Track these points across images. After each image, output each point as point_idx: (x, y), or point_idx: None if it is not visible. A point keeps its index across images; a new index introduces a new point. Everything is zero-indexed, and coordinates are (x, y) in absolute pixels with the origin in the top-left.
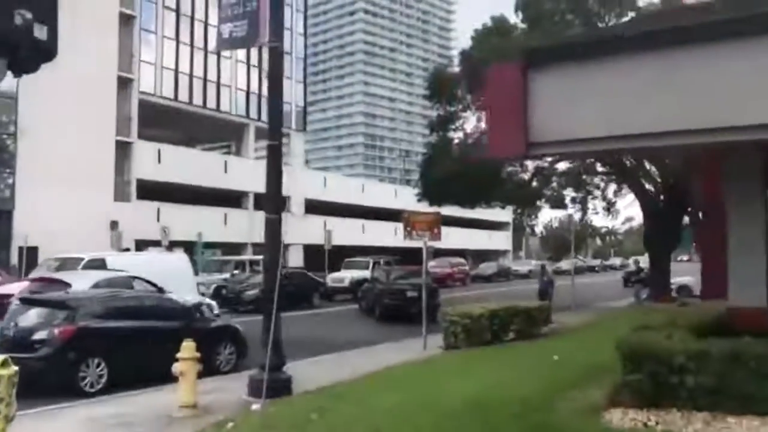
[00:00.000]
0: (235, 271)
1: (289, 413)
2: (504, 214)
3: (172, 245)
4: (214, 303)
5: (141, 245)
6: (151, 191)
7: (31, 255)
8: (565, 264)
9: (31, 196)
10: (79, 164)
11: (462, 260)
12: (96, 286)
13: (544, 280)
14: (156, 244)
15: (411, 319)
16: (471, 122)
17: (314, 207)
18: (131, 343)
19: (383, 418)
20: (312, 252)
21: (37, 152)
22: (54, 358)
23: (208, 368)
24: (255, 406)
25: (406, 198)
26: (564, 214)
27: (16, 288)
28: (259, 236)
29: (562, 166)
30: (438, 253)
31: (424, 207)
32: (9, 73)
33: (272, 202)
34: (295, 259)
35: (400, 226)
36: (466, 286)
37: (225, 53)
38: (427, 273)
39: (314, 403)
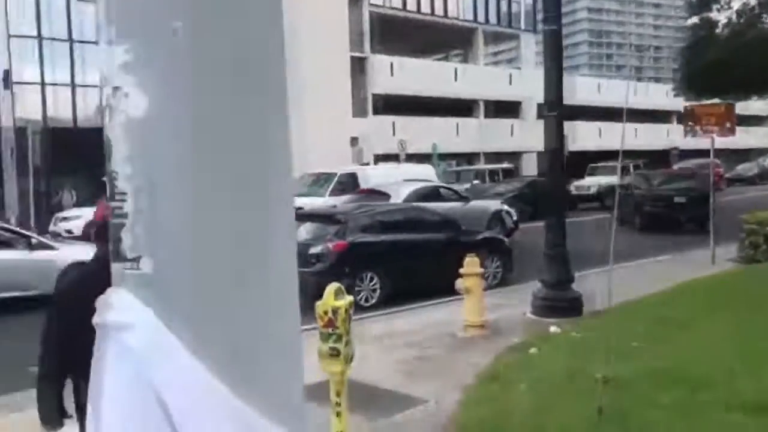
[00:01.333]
0: (475, 181)
1: (597, 337)
2: (760, 106)
3: (408, 158)
4: (512, 210)
5: (379, 160)
6: (386, 105)
7: None
8: None
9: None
10: (318, 84)
11: (716, 161)
12: (412, 194)
13: None
14: (394, 158)
15: (677, 229)
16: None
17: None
18: (401, 257)
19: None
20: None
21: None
22: (329, 272)
23: None
24: (553, 329)
25: (651, 94)
26: None
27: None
28: (492, 145)
29: None
30: (683, 155)
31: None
32: None
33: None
34: (531, 167)
35: (641, 127)
36: (722, 191)
37: None
38: (696, 176)
39: (625, 326)
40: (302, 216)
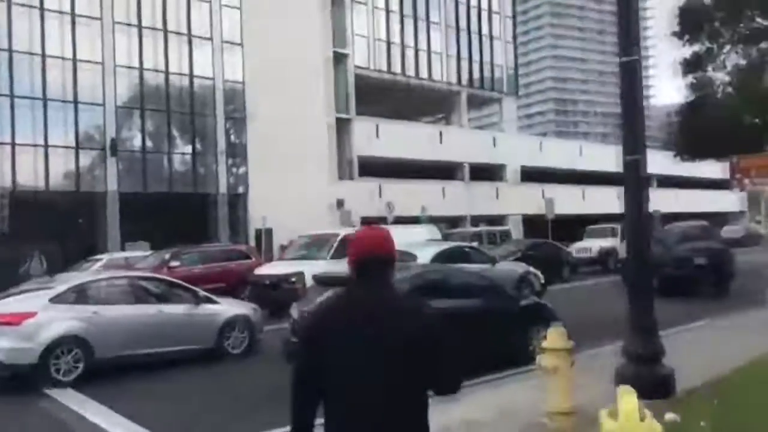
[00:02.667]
0: (474, 243)
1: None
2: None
3: (396, 221)
4: (539, 272)
5: (365, 223)
6: (371, 168)
7: (267, 237)
8: None
9: (262, 180)
10: (302, 145)
11: (705, 222)
12: (439, 255)
13: None
14: (381, 221)
15: (697, 292)
16: (733, 59)
17: (530, 174)
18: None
19: None
20: (531, 222)
21: (264, 137)
22: None
23: (525, 356)
24: (670, 416)
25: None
26: None
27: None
28: (477, 208)
29: None
30: (666, 218)
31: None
32: None
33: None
34: (515, 230)
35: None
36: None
37: (434, 19)
38: (713, 235)
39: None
40: (326, 280)
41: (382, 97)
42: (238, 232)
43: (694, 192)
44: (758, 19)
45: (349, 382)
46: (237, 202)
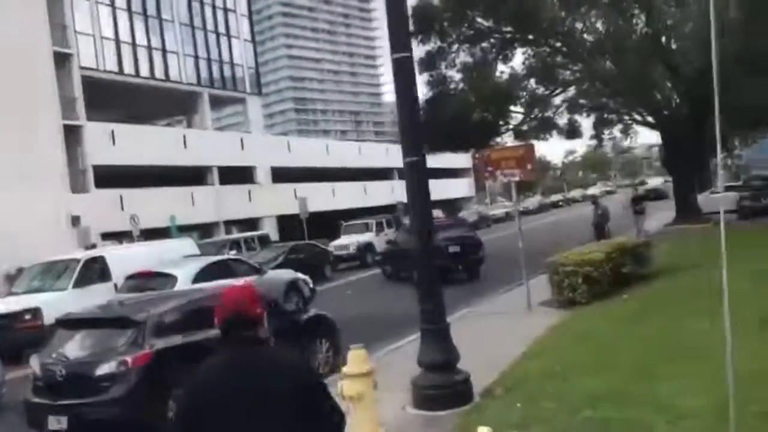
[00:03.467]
0: (232, 252)
1: None
2: (463, 160)
3: (143, 234)
4: (308, 278)
5: (107, 239)
6: (110, 177)
7: None
8: (531, 203)
9: None
10: (24, 157)
11: (439, 211)
12: (201, 273)
13: (599, 213)
14: (125, 236)
15: (451, 280)
16: (461, 57)
17: (281, 175)
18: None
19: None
20: (286, 223)
21: None
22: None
23: None
24: (483, 429)
25: (372, 154)
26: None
27: None
28: (229, 212)
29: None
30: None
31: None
32: None
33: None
34: (270, 232)
35: (369, 185)
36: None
37: (165, 16)
38: (464, 224)
39: (561, 412)
40: (73, 323)
41: (115, 100)
42: None
43: (431, 181)
44: (479, 20)
45: None
46: None
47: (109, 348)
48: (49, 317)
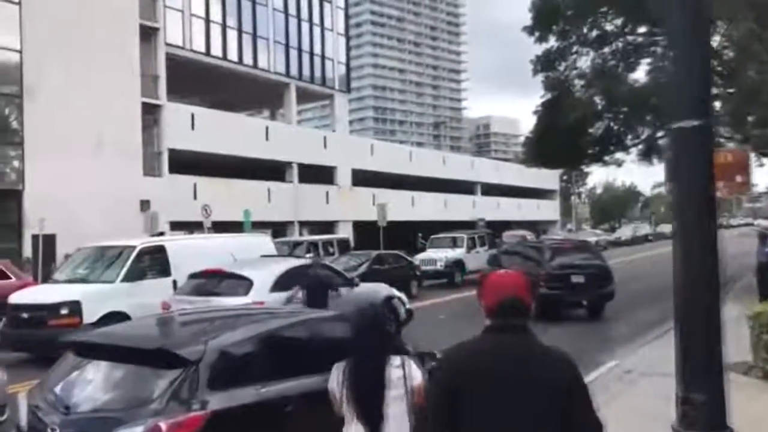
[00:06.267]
0: (308, 255)
1: None
2: (550, 181)
3: (214, 227)
4: (404, 296)
5: (176, 228)
6: (185, 163)
7: (48, 245)
8: (624, 232)
9: (44, 173)
10: (99, 133)
11: (527, 233)
12: (283, 278)
13: (766, 251)
14: (195, 226)
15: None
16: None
17: (361, 178)
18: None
19: None
20: (361, 230)
21: (48, 119)
22: None
23: None
24: None
25: (456, 166)
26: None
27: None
28: (306, 213)
29: None
30: (490, 226)
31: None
32: None
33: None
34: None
35: (450, 198)
36: None
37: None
38: (590, 248)
39: None
40: (90, 348)
41: (198, 84)
42: (13, 240)
43: (515, 200)
44: (607, 20)
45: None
46: (7, 200)
47: (137, 398)
48: (89, 314)
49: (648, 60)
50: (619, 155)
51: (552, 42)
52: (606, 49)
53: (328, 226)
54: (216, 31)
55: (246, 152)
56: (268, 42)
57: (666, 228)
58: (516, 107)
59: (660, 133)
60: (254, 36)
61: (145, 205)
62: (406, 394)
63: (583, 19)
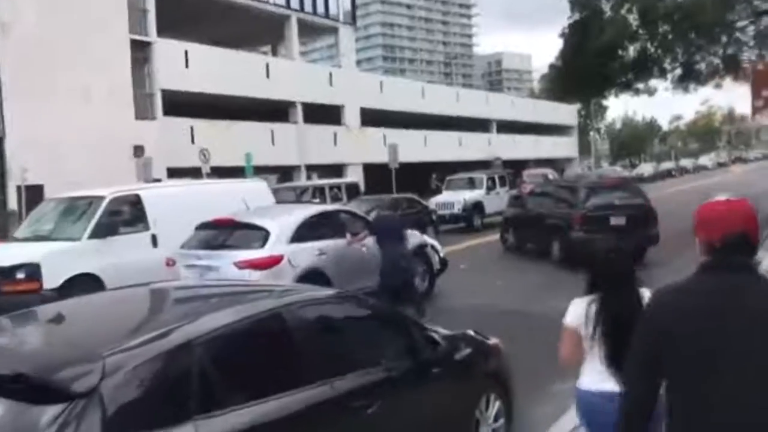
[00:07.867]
0: (315, 200)
1: None
2: (568, 117)
3: (213, 172)
4: (437, 243)
5: (173, 175)
6: (180, 105)
7: (34, 196)
8: (645, 168)
9: (26, 118)
10: (84, 73)
11: (549, 171)
12: (303, 227)
13: None
14: (193, 172)
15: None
16: None
17: (370, 117)
18: None
19: None
20: (372, 172)
21: (27, 58)
22: None
23: None
24: None
25: (470, 102)
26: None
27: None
28: (312, 156)
29: None
30: (506, 165)
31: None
32: None
33: None
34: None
35: (465, 136)
36: None
37: None
38: (632, 186)
39: None
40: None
41: (191, 19)
42: None
43: (531, 137)
44: None
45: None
46: None
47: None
48: (51, 278)
49: None
50: (653, 82)
51: None
52: None
53: (337, 170)
54: None
55: (246, 92)
56: None
57: (687, 162)
58: (528, 43)
59: (699, 56)
60: None
61: (138, 150)
62: None
63: None
